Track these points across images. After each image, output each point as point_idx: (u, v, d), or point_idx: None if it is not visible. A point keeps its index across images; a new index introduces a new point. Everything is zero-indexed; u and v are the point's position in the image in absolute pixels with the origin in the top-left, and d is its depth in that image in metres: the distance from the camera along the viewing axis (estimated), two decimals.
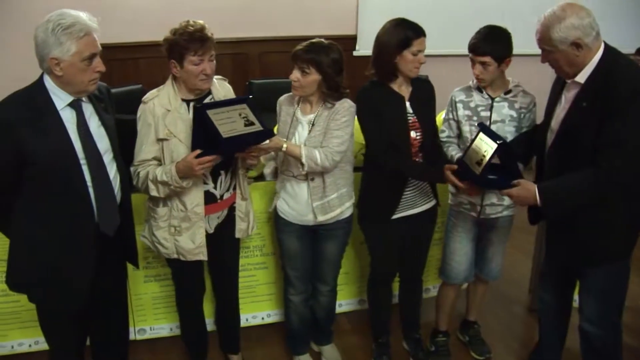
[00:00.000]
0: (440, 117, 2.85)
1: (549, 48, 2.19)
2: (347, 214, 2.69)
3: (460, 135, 2.72)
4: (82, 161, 2.09)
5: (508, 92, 2.62)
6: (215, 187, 2.49)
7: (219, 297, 2.87)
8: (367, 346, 3.14)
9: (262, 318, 3.33)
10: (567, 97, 2.30)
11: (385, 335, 3.04)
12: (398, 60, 2.49)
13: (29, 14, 4.82)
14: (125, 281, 2.59)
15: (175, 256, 2.51)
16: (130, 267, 2.55)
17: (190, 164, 2.25)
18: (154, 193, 2.39)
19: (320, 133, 2.51)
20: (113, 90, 2.37)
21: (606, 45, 2.19)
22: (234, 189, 2.58)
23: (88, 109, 2.16)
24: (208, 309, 3.00)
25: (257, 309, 3.30)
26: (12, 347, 3.04)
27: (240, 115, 2.29)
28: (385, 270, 2.87)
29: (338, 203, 2.61)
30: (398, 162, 2.56)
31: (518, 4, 5.44)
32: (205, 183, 2.46)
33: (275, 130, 2.60)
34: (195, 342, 2.89)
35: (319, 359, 3.08)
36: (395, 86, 2.57)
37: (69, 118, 2.09)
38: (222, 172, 2.49)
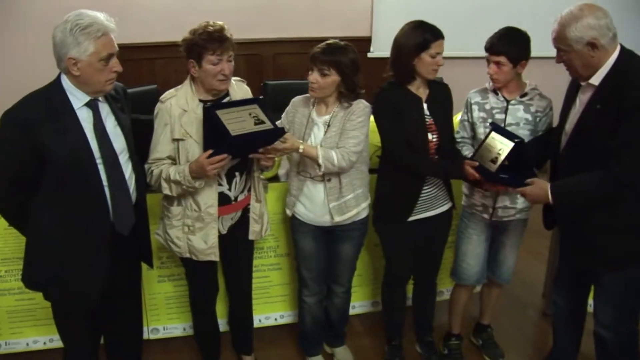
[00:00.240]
0: (456, 119, 2.84)
1: (565, 47, 2.18)
2: (363, 214, 2.68)
3: (474, 136, 2.71)
4: (98, 160, 2.11)
5: (524, 95, 2.60)
6: (229, 189, 2.49)
7: (232, 297, 2.87)
8: (380, 348, 3.13)
9: (275, 319, 3.33)
10: (582, 100, 2.28)
11: (398, 337, 3.03)
12: (416, 63, 2.48)
13: (28, 14, 4.89)
14: (139, 280, 2.61)
15: (188, 255, 2.52)
16: (144, 266, 2.56)
17: (202, 164, 2.25)
18: (166, 192, 2.40)
19: (336, 134, 2.51)
20: (129, 91, 2.38)
21: (622, 47, 2.17)
22: (249, 190, 2.58)
23: (104, 109, 2.18)
24: (221, 309, 3.00)
25: (271, 309, 3.31)
26: (27, 344, 3.06)
27: (250, 114, 2.28)
28: (400, 273, 2.86)
29: (354, 203, 2.61)
30: (417, 160, 2.56)
31: (537, 7, 5.38)
32: (219, 184, 2.46)
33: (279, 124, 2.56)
34: (208, 343, 2.90)
35: None
36: (413, 88, 2.57)
37: (85, 118, 2.10)
38: (237, 173, 2.50)
